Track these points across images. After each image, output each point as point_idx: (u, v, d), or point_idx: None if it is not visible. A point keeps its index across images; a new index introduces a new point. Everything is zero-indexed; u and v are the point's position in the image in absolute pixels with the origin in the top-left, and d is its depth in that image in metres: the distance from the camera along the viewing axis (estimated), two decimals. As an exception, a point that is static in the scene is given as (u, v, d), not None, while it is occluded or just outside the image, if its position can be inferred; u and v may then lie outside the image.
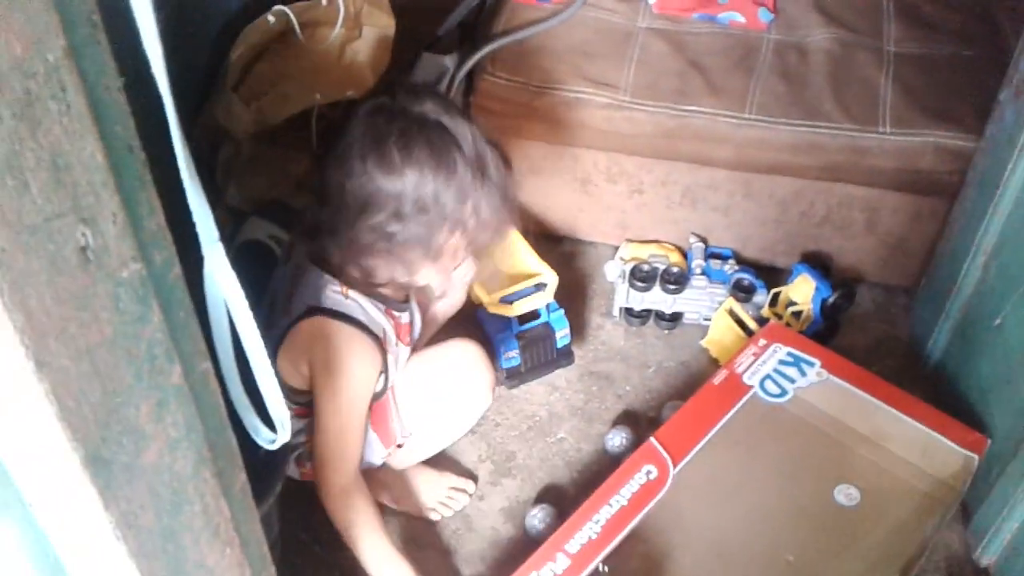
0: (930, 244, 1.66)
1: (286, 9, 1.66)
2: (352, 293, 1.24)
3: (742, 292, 1.69)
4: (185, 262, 0.63)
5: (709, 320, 1.72)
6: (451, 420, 1.48)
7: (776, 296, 1.70)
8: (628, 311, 1.75)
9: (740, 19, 1.75)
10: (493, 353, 1.58)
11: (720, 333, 1.68)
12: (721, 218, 1.75)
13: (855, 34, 1.72)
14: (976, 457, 1.36)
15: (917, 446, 1.39)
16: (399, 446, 1.42)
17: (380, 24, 1.73)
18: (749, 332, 1.63)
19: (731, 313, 1.66)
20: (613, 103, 1.64)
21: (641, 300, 1.72)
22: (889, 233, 1.69)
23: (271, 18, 1.65)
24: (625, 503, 1.33)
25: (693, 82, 1.64)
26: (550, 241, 1.88)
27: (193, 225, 0.65)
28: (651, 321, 1.77)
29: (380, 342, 1.28)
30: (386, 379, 1.32)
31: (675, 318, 1.74)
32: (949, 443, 1.38)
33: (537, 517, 1.46)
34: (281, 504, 1.32)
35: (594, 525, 1.30)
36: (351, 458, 1.29)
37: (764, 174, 1.66)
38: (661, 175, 1.71)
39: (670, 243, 1.81)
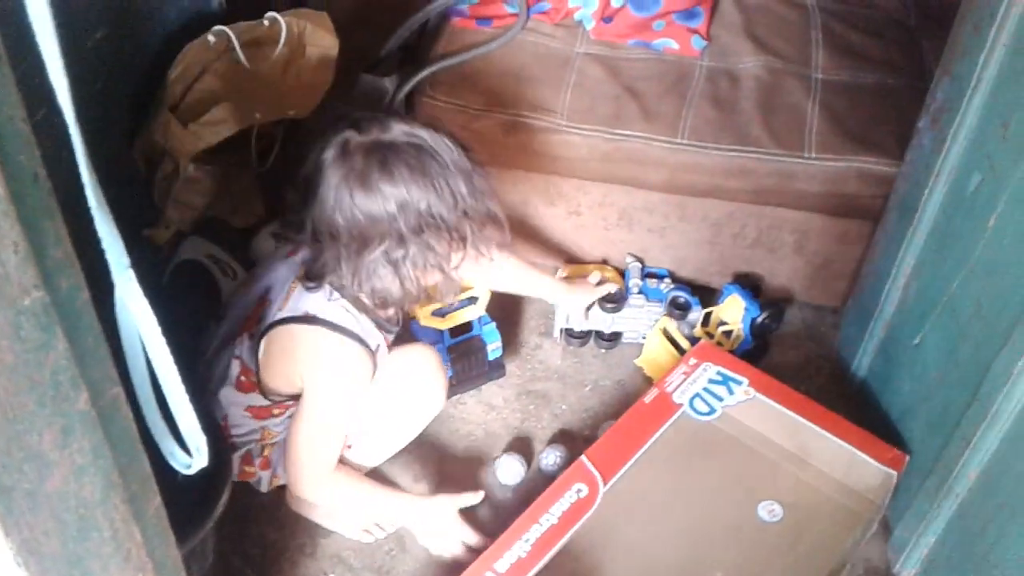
0: (856, 265, 1.71)
1: (226, 29, 1.67)
2: (351, 308, 1.28)
3: (678, 309, 1.72)
4: (105, 287, 0.64)
5: (647, 339, 1.76)
6: (403, 422, 1.50)
7: (708, 316, 1.74)
8: (568, 332, 1.77)
9: (674, 46, 1.79)
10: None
11: (654, 352, 1.72)
12: (657, 239, 1.78)
13: (784, 61, 1.77)
14: (895, 473, 1.40)
15: (839, 463, 1.43)
16: (348, 446, 1.44)
17: (323, 44, 1.74)
18: (682, 351, 1.66)
19: (664, 332, 1.70)
20: (550, 127, 1.67)
21: (581, 321, 1.74)
22: (817, 254, 1.74)
23: (211, 38, 1.66)
24: (555, 521, 1.35)
25: (628, 107, 1.68)
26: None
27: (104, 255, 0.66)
28: (591, 341, 1.79)
29: (373, 355, 1.32)
30: None
31: (614, 338, 1.77)
32: (870, 460, 1.42)
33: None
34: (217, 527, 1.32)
35: (524, 544, 1.32)
36: (334, 456, 1.35)
37: (698, 197, 1.70)
38: (598, 197, 1.74)
39: (608, 267, 1.84)
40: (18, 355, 0.55)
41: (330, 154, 1.19)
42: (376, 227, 1.18)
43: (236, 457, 1.42)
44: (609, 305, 1.72)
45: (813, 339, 1.85)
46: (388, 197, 1.17)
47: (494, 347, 1.66)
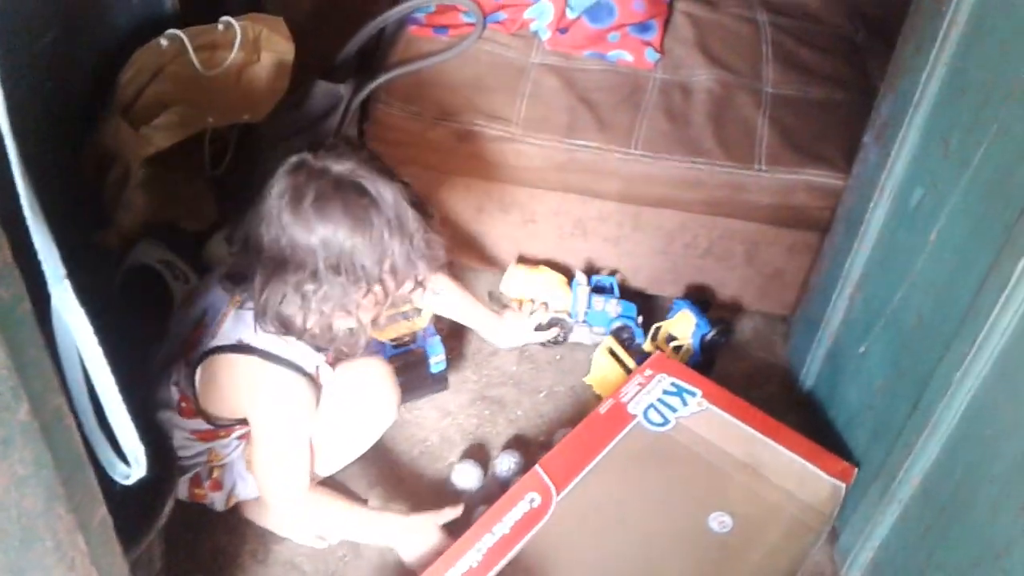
0: (805, 275, 1.74)
1: (180, 33, 1.66)
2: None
3: (622, 342, 1.74)
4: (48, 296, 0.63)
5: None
6: (356, 434, 1.49)
7: (657, 331, 1.76)
8: None
9: (628, 58, 1.82)
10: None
11: (602, 371, 1.71)
12: (612, 248, 1.80)
13: (736, 75, 1.80)
14: (844, 486, 1.43)
15: (790, 475, 1.45)
16: None
17: (279, 50, 1.73)
18: (628, 370, 1.67)
19: (610, 352, 1.70)
20: (505, 135, 1.68)
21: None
22: (767, 264, 1.77)
23: (164, 41, 1.64)
24: (507, 531, 1.35)
25: (582, 117, 1.70)
26: (445, 267, 1.90)
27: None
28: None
29: (312, 378, 1.30)
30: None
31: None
32: (819, 472, 1.44)
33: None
34: (166, 536, 1.30)
35: (476, 553, 1.32)
36: (301, 477, 1.34)
37: (651, 207, 1.72)
38: (553, 206, 1.76)
39: (558, 267, 1.83)
40: (-45, 366, 0.54)
41: (283, 168, 1.17)
42: (295, 254, 1.15)
43: (184, 480, 1.40)
44: (550, 342, 1.76)
45: (764, 348, 1.88)
46: (314, 229, 1.14)
47: (437, 360, 1.66)
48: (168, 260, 1.69)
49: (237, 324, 1.26)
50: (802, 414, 1.69)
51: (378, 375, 1.46)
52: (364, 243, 1.15)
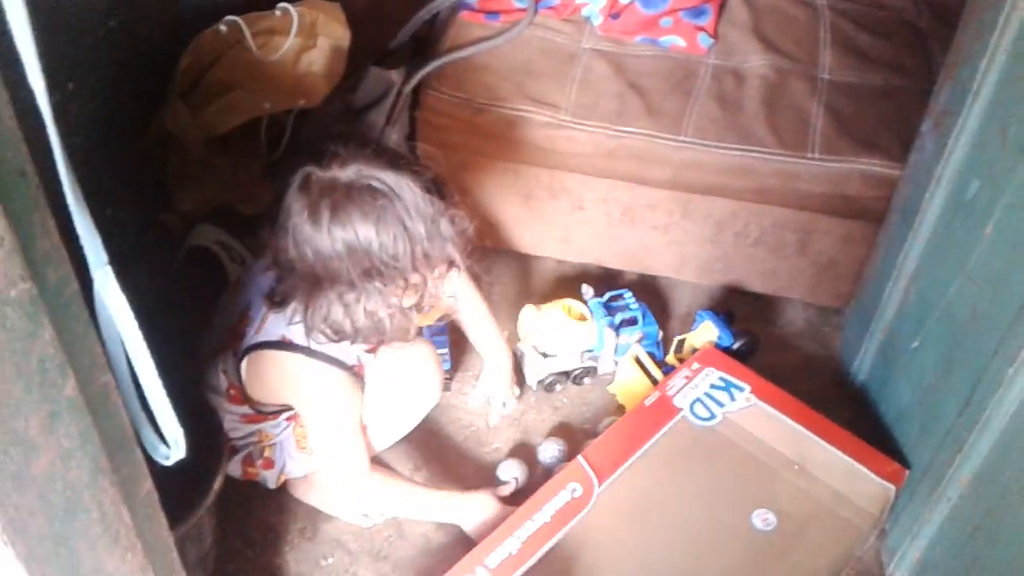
0: (860, 267, 1.71)
1: (238, 19, 1.69)
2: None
3: None
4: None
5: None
6: (400, 415, 1.52)
7: (681, 343, 1.73)
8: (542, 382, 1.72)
9: (681, 43, 1.79)
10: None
11: (627, 381, 1.69)
12: (660, 236, 1.79)
13: (791, 61, 1.77)
14: (894, 488, 1.40)
15: (839, 474, 1.43)
16: None
17: (335, 35, 1.76)
18: (654, 380, 1.65)
19: (637, 361, 1.68)
20: (553, 122, 1.68)
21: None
22: (820, 254, 1.74)
23: (223, 27, 1.68)
24: (548, 520, 1.36)
25: (632, 103, 1.69)
26: (493, 254, 1.92)
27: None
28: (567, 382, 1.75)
29: (352, 370, 1.34)
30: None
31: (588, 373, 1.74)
32: (869, 473, 1.42)
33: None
34: (217, 513, 1.35)
35: (515, 540, 1.33)
36: (360, 461, 1.38)
37: (701, 195, 1.71)
38: (602, 193, 1.75)
39: (572, 301, 1.72)
40: (3, 343, 0.57)
41: (293, 186, 1.18)
42: (327, 267, 1.17)
43: (237, 460, 1.45)
44: (574, 381, 1.72)
45: (815, 339, 1.86)
46: (336, 240, 1.15)
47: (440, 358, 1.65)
48: (225, 242, 1.74)
49: (280, 321, 1.29)
50: (852, 408, 1.67)
51: (423, 356, 1.48)
52: (389, 240, 1.15)
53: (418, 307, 1.29)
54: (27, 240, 0.58)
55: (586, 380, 1.73)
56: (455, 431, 1.67)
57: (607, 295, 1.73)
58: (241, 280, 1.43)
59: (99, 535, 0.73)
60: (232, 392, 1.38)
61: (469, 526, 1.45)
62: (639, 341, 1.71)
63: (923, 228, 1.44)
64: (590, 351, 1.69)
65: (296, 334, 1.28)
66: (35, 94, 0.56)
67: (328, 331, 1.23)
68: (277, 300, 1.27)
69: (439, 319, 1.66)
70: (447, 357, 1.69)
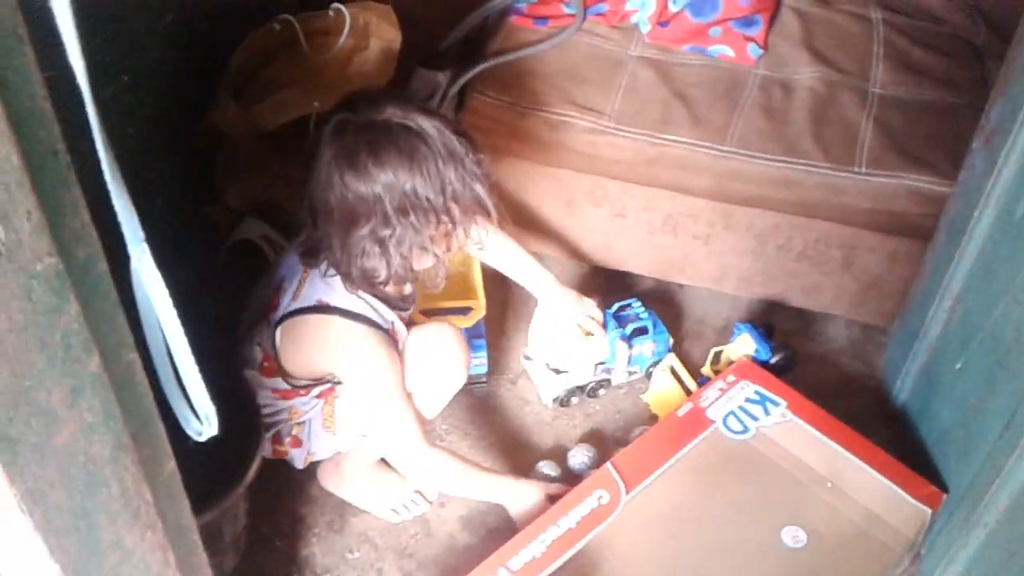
0: (905, 285, 1.67)
1: (291, 18, 1.72)
2: (362, 293, 1.32)
3: None
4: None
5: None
6: (427, 396, 1.49)
7: (718, 355, 1.71)
8: (558, 400, 1.71)
9: (729, 53, 1.78)
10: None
11: (661, 391, 1.68)
12: (701, 246, 1.77)
13: (842, 74, 1.74)
14: (929, 511, 1.37)
15: (873, 494, 1.40)
16: None
17: (387, 37, 1.78)
18: (688, 391, 1.64)
19: (672, 371, 1.67)
20: (596, 128, 1.67)
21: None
22: (865, 272, 1.71)
23: (276, 26, 1.72)
24: (573, 525, 1.35)
25: (676, 112, 1.68)
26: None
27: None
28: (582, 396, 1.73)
29: (390, 332, 1.36)
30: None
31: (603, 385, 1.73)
32: (904, 494, 1.39)
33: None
34: (250, 498, 1.37)
35: (539, 544, 1.32)
36: (413, 426, 1.38)
37: (743, 206, 1.69)
38: (643, 201, 1.74)
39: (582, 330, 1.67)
40: (28, 316, 0.58)
41: (326, 133, 1.23)
42: (363, 206, 1.21)
43: (267, 437, 1.47)
44: (588, 394, 1.71)
45: (858, 358, 1.82)
46: (375, 178, 1.20)
47: (477, 362, 1.67)
48: (270, 236, 1.76)
49: (315, 286, 1.32)
50: (893, 429, 1.63)
51: (448, 336, 1.46)
52: (423, 178, 1.20)
53: (448, 247, 1.31)
54: (56, 217, 0.60)
55: (601, 392, 1.72)
56: (486, 433, 1.66)
57: (616, 305, 1.72)
58: (275, 262, 1.47)
59: (119, 511, 0.74)
60: (266, 364, 1.40)
61: (515, 510, 1.46)
62: (653, 355, 1.71)
63: (970, 247, 1.41)
64: (603, 363, 1.68)
65: (332, 297, 1.31)
66: (75, 74, 0.58)
67: (363, 279, 1.27)
68: (310, 248, 1.31)
69: (448, 305, 1.66)
70: (484, 361, 1.69)
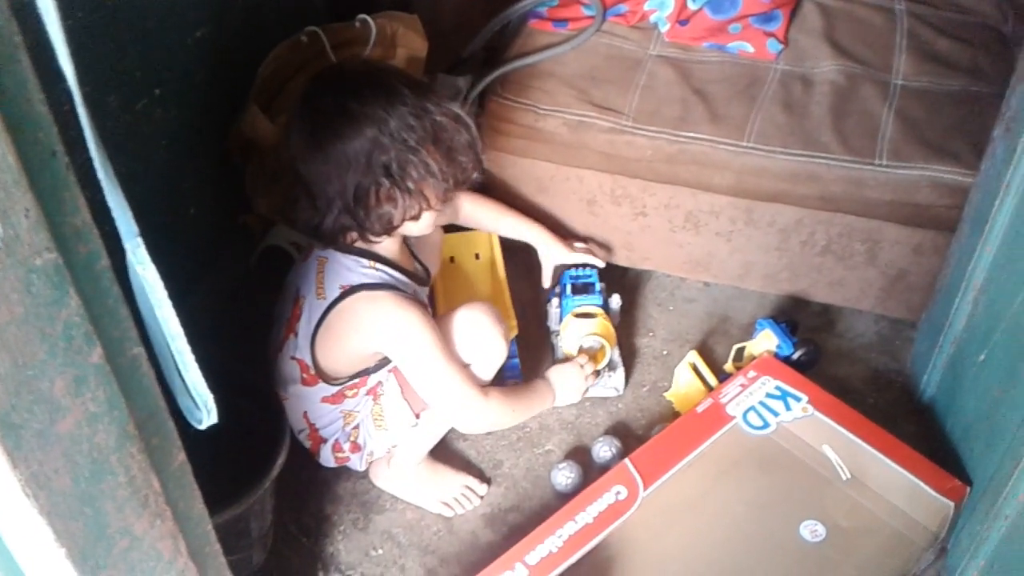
0: (932, 278, 1.65)
1: (318, 30, 1.76)
2: (379, 266, 1.37)
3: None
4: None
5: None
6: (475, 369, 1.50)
7: (740, 351, 1.70)
8: None
9: (749, 49, 1.78)
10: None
11: (684, 387, 1.67)
12: (724, 243, 1.77)
13: (864, 67, 1.72)
14: (952, 504, 1.35)
15: (895, 488, 1.39)
16: (418, 416, 1.47)
17: (413, 46, 1.81)
18: (710, 387, 1.63)
19: (693, 367, 1.66)
20: (615, 127, 1.68)
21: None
22: (890, 265, 1.69)
23: (303, 38, 1.76)
24: (591, 520, 1.36)
25: (695, 109, 1.68)
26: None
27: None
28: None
29: (413, 297, 1.40)
30: None
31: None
32: (927, 487, 1.37)
33: (563, 472, 1.56)
34: (276, 496, 1.41)
35: (556, 539, 1.34)
36: (463, 379, 1.40)
37: (765, 202, 1.68)
38: (664, 199, 1.74)
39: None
40: (28, 308, 0.62)
41: (301, 109, 1.33)
42: (353, 144, 1.27)
43: (327, 448, 1.51)
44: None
45: (886, 352, 1.80)
46: (356, 114, 1.26)
47: (512, 382, 1.68)
48: (299, 243, 1.81)
49: (334, 275, 1.36)
50: (920, 423, 1.61)
51: (483, 313, 1.44)
52: (404, 109, 1.27)
53: (447, 196, 1.36)
54: (56, 215, 0.63)
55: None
56: (509, 432, 1.67)
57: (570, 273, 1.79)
58: (286, 281, 1.51)
59: (127, 498, 0.77)
60: (306, 376, 1.43)
61: (561, 402, 1.60)
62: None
63: (992, 237, 1.39)
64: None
65: (352, 276, 1.35)
66: (66, 79, 0.61)
67: (380, 223, 1.31)
68: (324, 237, 1.36)
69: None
70: (518, 380, 1.70)
